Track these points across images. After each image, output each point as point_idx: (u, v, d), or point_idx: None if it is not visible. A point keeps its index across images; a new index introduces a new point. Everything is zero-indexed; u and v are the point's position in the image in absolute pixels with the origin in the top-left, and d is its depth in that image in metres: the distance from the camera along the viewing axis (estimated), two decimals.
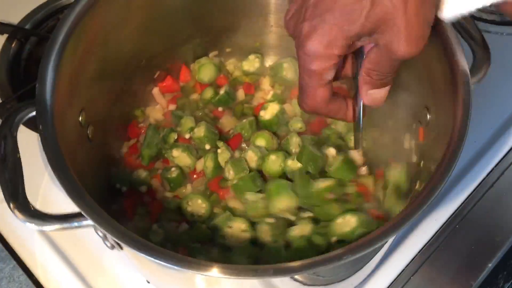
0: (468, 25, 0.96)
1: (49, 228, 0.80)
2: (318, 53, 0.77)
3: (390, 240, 0.98)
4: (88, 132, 0.97)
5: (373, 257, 0.96)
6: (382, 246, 0.93)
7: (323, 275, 0.88)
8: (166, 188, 1.09)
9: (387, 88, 0.87)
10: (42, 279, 1.09)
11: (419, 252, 1.11)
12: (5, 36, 1.35)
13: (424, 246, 1.12)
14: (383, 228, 0.76)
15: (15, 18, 1.27)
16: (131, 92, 1.14)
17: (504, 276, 1.11)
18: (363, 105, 0.90)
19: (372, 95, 0.87)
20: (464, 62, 0.88)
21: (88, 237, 1.09)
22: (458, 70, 0.87)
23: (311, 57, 0.78)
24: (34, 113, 0.85)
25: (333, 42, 0.76)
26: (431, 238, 1.12)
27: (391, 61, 0.80)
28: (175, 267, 0.74)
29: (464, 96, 0.85)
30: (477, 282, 1.08)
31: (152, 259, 0.74)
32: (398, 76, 1.01)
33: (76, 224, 0.80)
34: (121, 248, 0.85)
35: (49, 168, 0.81)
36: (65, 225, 0.80)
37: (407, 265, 1.10)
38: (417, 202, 0.78)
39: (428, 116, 0.94)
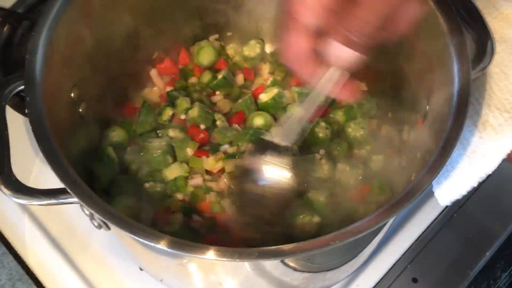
0: (472, 13, 0.93)
1: (36, 203, 0.79)
2: None
3: (386, 229, 0.97)
4: (80, 109, 0.96)
5: (364, 247, 0.95)
6: (369, 238, 0.92)
7: (312, 262, 0.87)
8: None
9: (357, 53, 0.73)
10: (32, 265, 1.09)
11: (416, 240, 1.10)
12: None
13: (421, 234, 1.11)
14: (373, 215, 0.75)
15: (7, 1, 1.25)
16: (128, 72, 1.12)
17: (502, 266, 1.09)
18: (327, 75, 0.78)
19: (338, 50, 0.72)
20: (465, 50, 0.86)
21: (80, 223, 1.10)
22: (458, 59, 0.86)
23: None
24: (23, 86, 0.84)
25: None
26: (428, 226, 1.11)
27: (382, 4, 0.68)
28: (159, 247, 0.73)
29: (463, 86, 0.84)
30: (474, 271, 1.07)
31: (137, 238, 0.73)
32: (400, 67, 1.01)
33: (62, 200, 0.78)
34: (108, 228, 0.84)
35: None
36: (52, 200, 0.79)
37: (404, 253, 1.09)
38: (410, 192, 0.77)
39: (427, 107, 0.93)
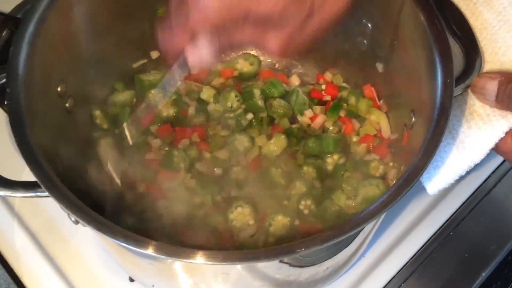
0: (463, 29, 0.93)
1: (15, 195, 0.79)
2: None
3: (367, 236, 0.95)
4: (67, 104, 0.95)
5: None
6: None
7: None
8: None
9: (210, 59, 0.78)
10: (20, 274, 1.06)
11: (411, 258, 1.08)
12: None
13: (417, 252, 1.08)
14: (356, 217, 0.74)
15: (6, 7, 1.26)
16: (119, 69, 1.12)
17: (498, 286, 1.08)
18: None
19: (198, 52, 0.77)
20: (450, 64, 0.85)
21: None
22: (442, 72, 0.85)
23: None
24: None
25: None
26: (424, 244, 1.09)
27: None
28: (142, 252, 0.71)
29: (444, 99, 0.82)
30: None
31: (114, 240, 0.71)
32: (390, 80, 1.03)
33: (39, 193, 0.78)
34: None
35: None
36: (30, 193, 0.79)
37: (399, 271, 1.07)
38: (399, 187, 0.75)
39: (413, 119, 0.92)
